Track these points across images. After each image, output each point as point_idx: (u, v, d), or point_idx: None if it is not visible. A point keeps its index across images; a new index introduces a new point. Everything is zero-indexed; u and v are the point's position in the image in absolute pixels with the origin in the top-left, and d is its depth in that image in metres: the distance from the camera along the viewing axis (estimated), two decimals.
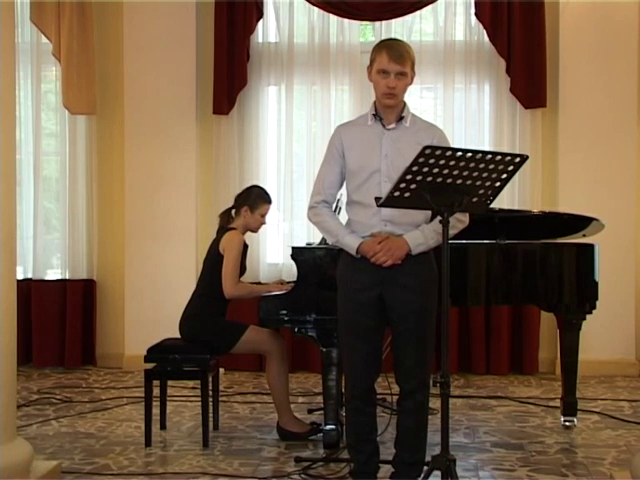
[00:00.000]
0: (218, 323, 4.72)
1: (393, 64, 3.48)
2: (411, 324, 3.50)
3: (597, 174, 6.47)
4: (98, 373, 6.61)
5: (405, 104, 3.61)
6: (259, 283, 6.38)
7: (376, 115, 3.58)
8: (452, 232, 3.49)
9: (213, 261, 4.74)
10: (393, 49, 3.52)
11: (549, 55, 6.48)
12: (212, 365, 4.67)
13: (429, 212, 3.55)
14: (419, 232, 3.51)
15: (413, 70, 3.57)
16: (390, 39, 3.81)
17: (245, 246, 4.81)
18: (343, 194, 3.82)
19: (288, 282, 4.96)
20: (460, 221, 3.55)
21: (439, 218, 3.49)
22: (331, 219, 3.64)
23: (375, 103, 3.60)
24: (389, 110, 3.56)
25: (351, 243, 3.53)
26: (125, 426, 5.00)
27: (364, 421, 3.64)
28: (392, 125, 3.56)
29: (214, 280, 4.69)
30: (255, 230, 4.92)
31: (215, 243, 4.78)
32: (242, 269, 4.81)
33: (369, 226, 3.53)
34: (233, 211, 4.89)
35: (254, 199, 4.83)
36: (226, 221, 4.88)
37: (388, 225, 3.52)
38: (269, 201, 4.88)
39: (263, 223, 4.90)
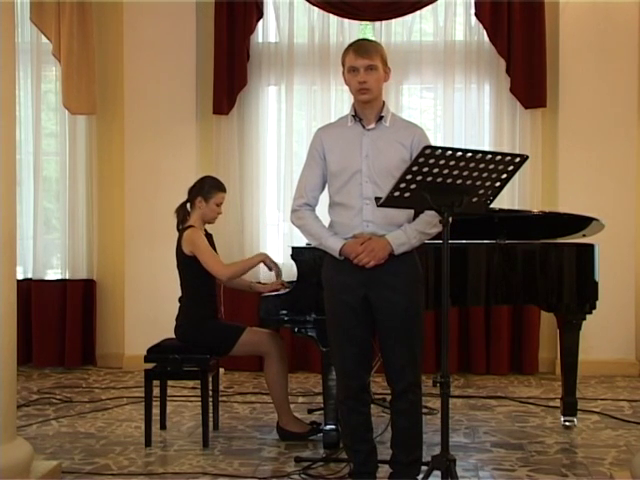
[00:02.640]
0: (214, 327, 4.70)
1: (360, 59, 3.50)
2: (397, 324, 3.50)
3: (597, 174, 6.47)
4: (98, 373, 6.61)
5: (384, 103, 3.61)
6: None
7: (355, 116, 3.58)
8: (434, 230, 3.52)
9: (183, 263, 4.73)
10: (359, 46, 3.56)
11: (549, 55, 6.48)
12: (212, 365, 4.67)
13: (411, 211, 3.55)
14: (401, 232, 3.50)
15: (386, 65, 3.58)
16: (357, 39, 3.82)
17: (209, 236, 4.80)
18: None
19: (289, 282, 4.93)
20: None
21: (421, 217, 3.52)
22: (313, 222, 3.63)
23: (354, 105, 3.61)
24: (368, 110, 3.56)
25: (334, 245, 3.53)
26: (125, 426, 5.00)
27: (359, 421, 3.64)
28: (372, 125, 3.56)
29: (193, 282, 4.69)
30: (212, 221, 4.85)
31: (178, 246, 4.76)
32: None
33: (351, 227, 3.53)
34: (188, 205, 4.85)
35: (208, 189, 4.78)
36: (182, 217, 4.83)
37: (370, 226, 3.51)
38: (223, 189, 4.83)
39: (219, 213, 4.85)
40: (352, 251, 3.48)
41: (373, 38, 6.66)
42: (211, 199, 4.77)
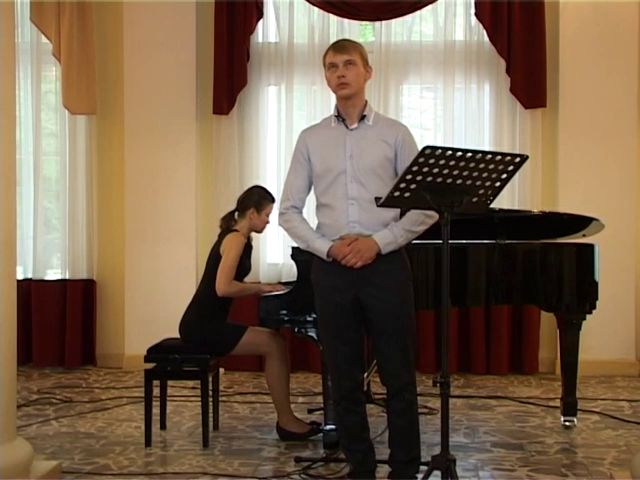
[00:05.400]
0: (217, 326, 4.70)
1: (338, 55, 3.53)
2: (389, 323, 3.51)
3: (597, 174, 6.47)
4: (98, 373, 6.61)
5: (366, 102, 3.61)
6: (259, 283, 6.38)
7: (339, 116, 3.59)
8: (421, 228, 3.53)
9: (213, 264, 4.72)
10: (336, 44, 3.61)
11: (549, 55, 6.49)
12: (212, 365, 4.67)
13: (397, 210, 3.54)
14: (388, 231, 3.50)
15: (367, 63, 3.59)
16: (337, 40, 3.84)
17: (249, 247, 4.81)
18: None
19: (285, 283, 4.93)
20: (429, 217, 3.51)
21: (408, 215, 3.51)
22: (301, 224, 3.64)
23: (337, 105, 3.61)
24: (350, 109, 3.56)
25: (321, 247, 3.53)
26: (125, 426, 5.00)
27: (355, 420, 3.64)
28: (355, 125, 3.57)
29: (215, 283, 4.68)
30: (261, 230, 4.90)
31: (216, 246, 4.77)
32: (246, 269, 4.81)
33: (338, 228, 3.53)
34: (236, 214, 4.88)
35: (258, 200, 4.81)
36: (230, 224, 4.85)
37: (356, 226, 3.51)
38: (273, 200, 4.87)
39: (268, 222, 4.89)
40: (339, 253, 3.48)
41: (373, 38, 6.70)
42: (263, 210, 4.80)
